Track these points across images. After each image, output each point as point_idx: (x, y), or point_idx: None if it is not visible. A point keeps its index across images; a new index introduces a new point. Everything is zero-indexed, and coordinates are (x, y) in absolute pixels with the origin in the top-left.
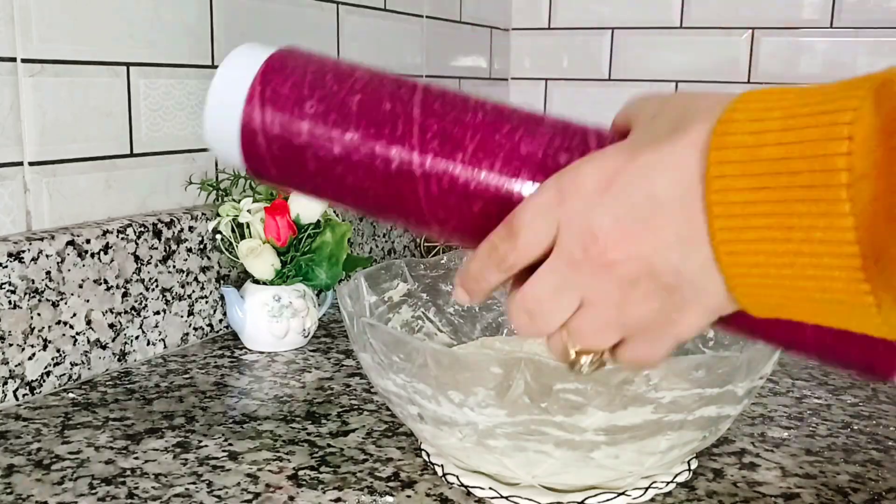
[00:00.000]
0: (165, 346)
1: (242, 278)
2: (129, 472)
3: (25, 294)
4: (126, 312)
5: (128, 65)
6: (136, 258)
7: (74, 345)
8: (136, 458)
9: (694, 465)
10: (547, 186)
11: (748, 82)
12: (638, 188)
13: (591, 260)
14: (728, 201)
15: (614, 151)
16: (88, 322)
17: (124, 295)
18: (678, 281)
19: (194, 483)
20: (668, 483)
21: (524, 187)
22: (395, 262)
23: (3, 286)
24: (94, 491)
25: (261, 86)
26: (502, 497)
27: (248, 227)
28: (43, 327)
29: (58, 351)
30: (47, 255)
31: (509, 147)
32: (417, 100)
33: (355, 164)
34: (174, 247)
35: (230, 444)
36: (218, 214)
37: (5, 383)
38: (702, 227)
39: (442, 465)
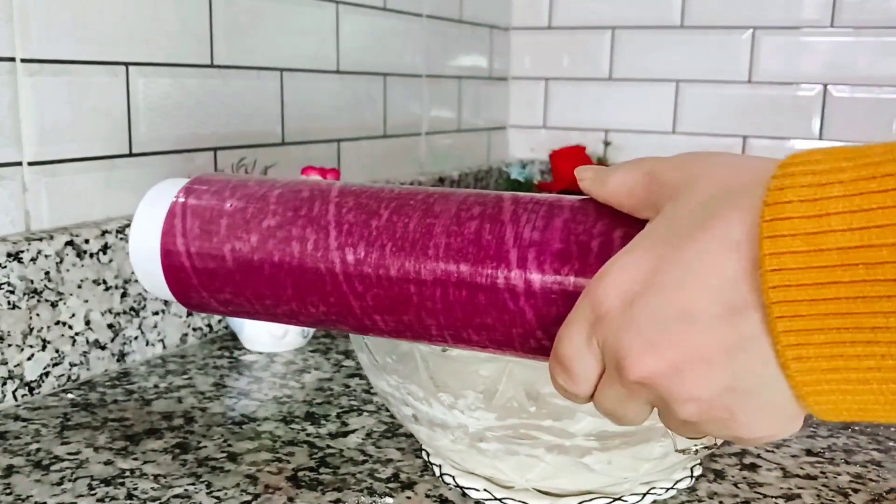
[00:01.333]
0: (164, 347)
1: None
2: (128, 473)
3: (24, 294)
4: (125, 313)
5: (127, 64)
6: None
7: (73, 345)
8: (135, 459)
9: (698, 471)
10: (580, 310)
11: (748, 81)
12: (668, 303)
13: (630, 381)
14: (791, 299)
15: (635, 256)
16: (87, 322)
17: (123, 295)
18: (733, 398)
19: (193, 484)
20: (667, 489)
21: (440, 243)
22: None
23: (2, 286)
24: (93, 492)
25: (184, 197)
26: (496, 499)
27: None
28: (42, 328)
29: (57, 351)
30: (46, 256)
31: (423, 209)
32: (337, 187)
33: (272, 251)
34: None
35: (229, 445)
36: None
37: (4, 384)
38: (756, 330)
39: (440, 466)
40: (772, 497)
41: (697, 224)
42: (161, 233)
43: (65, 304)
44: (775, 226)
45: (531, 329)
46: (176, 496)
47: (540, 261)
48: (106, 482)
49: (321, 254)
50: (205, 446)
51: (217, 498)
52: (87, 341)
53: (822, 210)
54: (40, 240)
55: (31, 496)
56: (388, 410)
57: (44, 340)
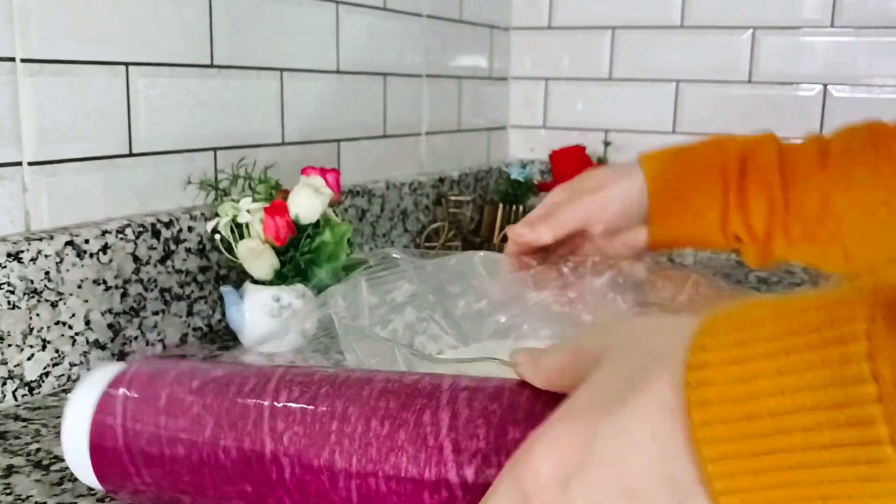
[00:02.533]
0: (164, 347)
1: (241, 278)
2: None
3: (24, 294)
4: (125, 313)
5: (127, 64)
6: (135, 258)
7: (73, 345)
8: None
9: None
10: (507, 485)
11: (748, 81)
12: (609, 480)
13: None
14: (731, 472)
15: (564, 428)
16: (87, 322)
17: (123, 295)
18: None
19: None
20: None
21: (376, 388)
22: (399, 258)
23: (2, 286)
24: (92, 492)
25: (137, 366)
26: None
27: (247, 227)
28: (42, 328)
29: (57, 351)
30: (46, 256)
31: (368, 374)
32: (282, 366)
33: (208, 392)
34: (173, 247)
35: None
36: (217, 214)
37: (4, 384)
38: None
39: None
40: None
41: (626, 388)
42: (104, 387)
43: (65, 303)
44: (702, 392)
45: (445, 464)
46: None
47: (470, 399)
48: None
49: (256, 395)
50: None
51: None
52: (87, 341)
53: (747, 373)
54: (40, 240)
55: (31, 496)
56: None
57: (44, 340)
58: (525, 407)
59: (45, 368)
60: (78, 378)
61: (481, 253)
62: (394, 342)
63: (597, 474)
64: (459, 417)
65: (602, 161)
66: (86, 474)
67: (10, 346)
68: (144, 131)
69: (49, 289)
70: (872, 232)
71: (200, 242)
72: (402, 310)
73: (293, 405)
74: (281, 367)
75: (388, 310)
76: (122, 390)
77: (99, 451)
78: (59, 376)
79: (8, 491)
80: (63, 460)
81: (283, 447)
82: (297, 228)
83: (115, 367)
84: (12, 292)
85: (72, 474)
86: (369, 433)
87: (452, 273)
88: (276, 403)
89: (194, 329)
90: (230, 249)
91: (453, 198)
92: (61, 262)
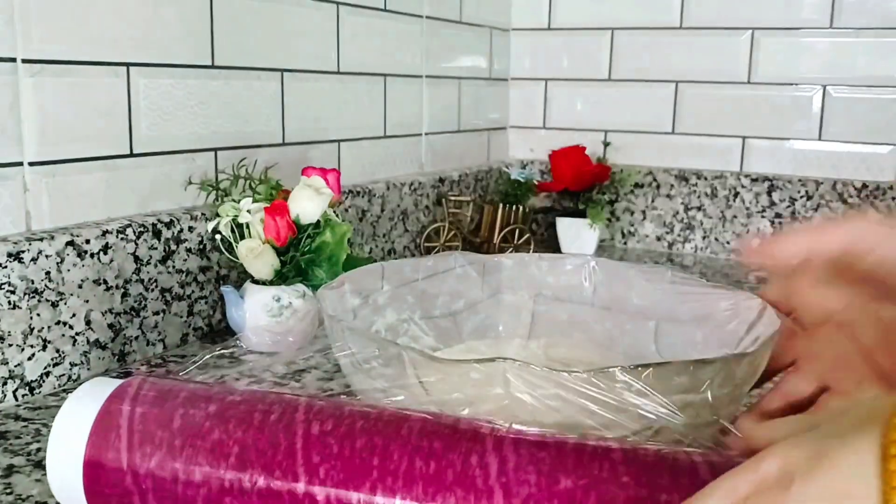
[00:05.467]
0: (165, 347)
1: (242, 278)
2: None
3: (25, 294)
4: (125, 313)
5: (128, 65)
6: (136, 258)
7: (74, 345)
8: None
9: None
10: (726, 484)
11: (748, 82)
12: (830, 483)
13: None
14: None
15: (795, 443)
16: (88, 322)
17: (124, 295)
18: None
19: None
20: None
21: (415, 426)
22: (381, 263)
23: (3, 286)
24: None
25: (140, 382)
26: None
27: (247, 227)
28: (42, 327)
29: (57, 351)
30: (47, 256)
31: (399, 422)
32: (302, 396)
33: (229, 418)
34: (174, 247)
35: None
36: (217, 214)
37: (5, 383)
38: None
39: None
40: None
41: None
42: (106, 398)
43: (65, 304)
44: None
45: None
46: None
47: (516, 446)
48: None
49: (285, 424)
50: None
51: None
52: (88, 341)
53: None
54: (41, 240)
55: (32, 496)
56: None
57: (44, 340)
58: (573, 458)
59: (45, 368)
60: (79, 378)
61: (456, 253)
62: (402, 346)
63: (822, 478)
64: (508, 463)
65: (601, 161)
66: (75, 496)
67: (10, 345)
68: (145, 131)
69: (50, 289)
70: None
71: (201, 242)
72: (382, 311)
73: (329, 438)
74: (301, 396)
75: (370, 311)
76: (126, 406)
77: (95, 470)
78: (60, 376)
79: (8, 491)
80: None
81: (319, 479)
82: (298, 228)
83: (109, 383)
84: (13, 292)
85: None
86: (414, 471)
87: (429, 273)
88: (309, 434)
89: (195, 329)
90: (231, 249)
91: (453, 198)
92: (62, 262)
